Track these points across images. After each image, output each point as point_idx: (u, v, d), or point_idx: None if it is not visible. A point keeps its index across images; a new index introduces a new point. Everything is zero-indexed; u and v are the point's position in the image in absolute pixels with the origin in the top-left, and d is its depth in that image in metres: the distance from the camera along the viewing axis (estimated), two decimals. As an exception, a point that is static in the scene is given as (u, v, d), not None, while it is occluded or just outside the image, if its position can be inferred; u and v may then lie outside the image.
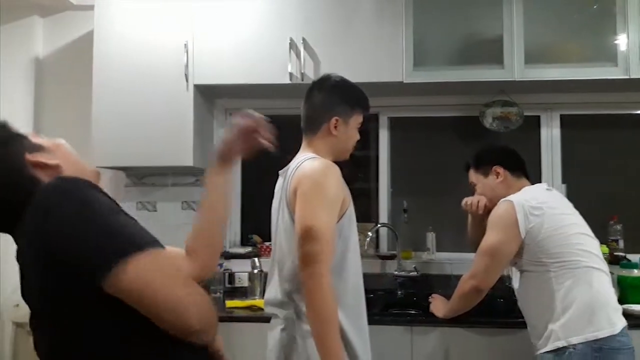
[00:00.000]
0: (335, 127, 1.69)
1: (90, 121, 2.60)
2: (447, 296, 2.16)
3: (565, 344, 1.73)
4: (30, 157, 1.04)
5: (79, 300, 0.94)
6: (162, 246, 1.00)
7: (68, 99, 2.93)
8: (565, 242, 1.82)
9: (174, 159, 2.59)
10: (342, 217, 1.58)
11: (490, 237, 1.90)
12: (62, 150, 1.11)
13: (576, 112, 2.81)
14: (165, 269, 0.96)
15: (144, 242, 0.95)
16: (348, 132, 1.72)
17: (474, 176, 2.15)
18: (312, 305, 1.44)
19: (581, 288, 1.77)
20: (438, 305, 2.19)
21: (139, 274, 0.92)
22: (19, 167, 1.03)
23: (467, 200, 2.18)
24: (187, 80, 2.55)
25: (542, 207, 1.86)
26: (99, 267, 0.91)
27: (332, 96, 1.71)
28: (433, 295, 2.28)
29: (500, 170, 2.06)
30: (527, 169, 2.11)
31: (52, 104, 2.95)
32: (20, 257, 1.02)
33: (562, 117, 2.82)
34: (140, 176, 2.92)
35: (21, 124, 3.12)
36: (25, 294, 1.03)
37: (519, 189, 1.98)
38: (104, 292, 0.92)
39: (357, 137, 1.76)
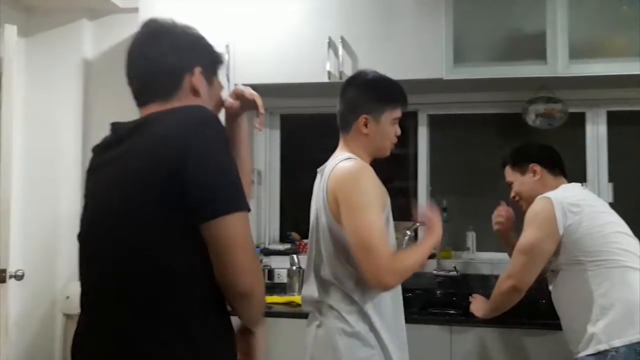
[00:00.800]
0: (366, 125, 1.66)
1: (136, 121, 2.69)
2: (487, 296, 2.13)
3: (607, 347, 1.68)
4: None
5: (174, 229, 1.03)
6: None
7: (115, 100, 2.98)
8: (604, 241, 1.78)
9: None
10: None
11: (528, 235, 1.87)
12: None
13: (623, 109, 2.72)
14: (249, 232, 1.07)
15: (246, 202, 1.08)
16: (380, 129, 1.68)
17: (510, 174, 2.12)
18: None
19: (620, 288, 1.73)
20: (478, 305, 2.16)
21: (237, 229, 1.03)
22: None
23: (496, 219, 2.21)
24: (228, 81, 2.60)
25: (581, 205, 1.83)
26: (213, 210, 1.02)
27: (362, 94, 1.69)
28: (473, 295, 2.25)
29: (538, 168, 2.03)
30: (565, 168, 2.06)
31: (100, 104, 3.04)
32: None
33: (608, 113, 2.73)
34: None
35: (71, 124, 3.26)
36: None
37: (556, 188, 1.94)
38: (196, 232, 1.02)
39: (396, 132, 1.72)
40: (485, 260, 2.76)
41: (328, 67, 2.52)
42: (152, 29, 1.24)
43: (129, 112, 2.96)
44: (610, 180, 2.71)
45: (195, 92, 1.20)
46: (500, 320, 2.09)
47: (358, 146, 1.69)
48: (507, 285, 1.91)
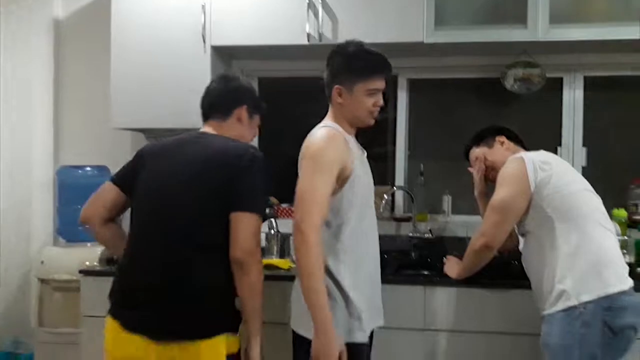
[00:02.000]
0: (340, 95, 1.72)
1: (109, 82, 2.62)
2: (462, 258, 2.17)
3: (576, 303, 1.73)
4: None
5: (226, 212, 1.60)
6: None
7: (87, 60, 2.94)
8: (571, 197, 1.84)
9: (192, 121, 2.58)
10: (345, 183, 1.66)
11: (500, 193, 1.91)
12: None
13: (600, 74, 2.74)
14: (257, 227, 1.63)
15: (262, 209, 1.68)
16: (354, 100, 1.71)
17: (477, 151, 2.19)
18: (298, 260, 1.60)
19: (588, 244, 1.78)
20: (452, 266, 2.22)
21: (254, 228, 1.61)
22: None
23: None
24: (204, 42, 2.54)
25: (551, 163, 1.89)
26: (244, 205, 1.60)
27: (339, 64, 1.73)
28: (447, 256, 2.31)
29: (504, 139, 2.12)
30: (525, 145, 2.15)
31: (72, 64, 2.96)
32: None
33: (585, 78, 2.76)
34: (159, 138, 2.94)
35: (41, 83, 3.20)
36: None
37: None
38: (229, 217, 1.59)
39: (375, 103, 1.74)
40: (461, 223, 2.81)
41: (307, 29, 2.47)
42: (223, 76, 1.92)
43: (99, 71, 2.92)
44: (584, 145, 2.75)
45: (239, 120, 1.79)
46: (473, 280, 2.14)
47: (337, 115, 1.76)
48: (480, 243, 1.96)
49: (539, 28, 2.38)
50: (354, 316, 1.67)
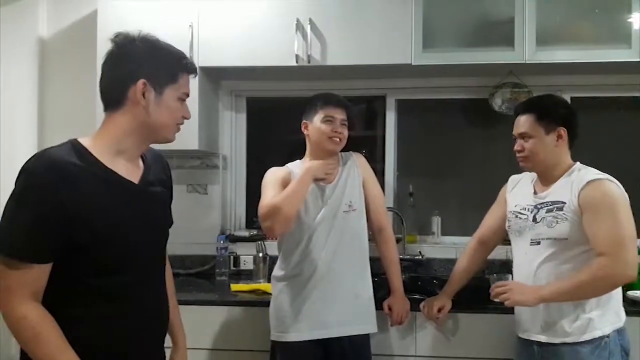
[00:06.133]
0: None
1: (95, 102, 2.58)
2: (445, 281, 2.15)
3: (601, 334, 1.71)
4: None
5: None
6: None
7: (72, 79, 2.90)
8: None
9: (179, 142, 2.47)
10: None
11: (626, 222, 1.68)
12: None
13: (587, 95, 2.76)
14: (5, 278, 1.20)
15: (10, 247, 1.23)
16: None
17: (531, 126, 1.81)
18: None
19: None
20: (524, 290, 1.76)
21: None
22: None
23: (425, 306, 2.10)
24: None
25: None
26: None
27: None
28: (504, 283, 1.82)
29: (564, 134, 1.81)
30: None
31: (57, 84, 2.92)
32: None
33: (572, 99, 2.77)
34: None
35: (25, 104, 3.13)
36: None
37: (567, 161, 1.84)
38: None
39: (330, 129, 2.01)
40: (450, 244, 2.79)
41: (296, 50, 2.47)
42: (113, 44, 1.32)
43: (84, 91, 2.87)
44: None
45: (135, 104, 1.26)
46: (464, 304, 2.12)
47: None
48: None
49: (526, 50, 2.39)
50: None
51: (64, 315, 1.20)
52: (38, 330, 1.16)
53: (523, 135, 1.83)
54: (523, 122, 1.83)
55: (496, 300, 1.78)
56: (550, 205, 1.77)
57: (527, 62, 2.40)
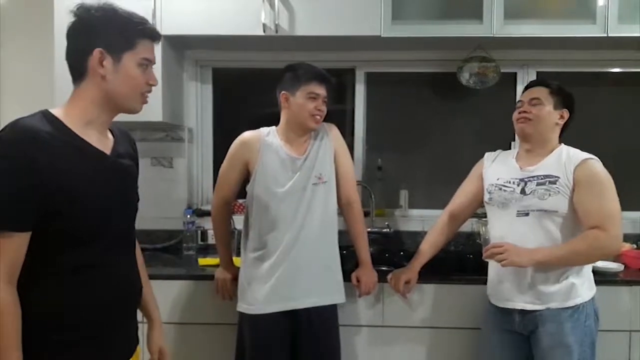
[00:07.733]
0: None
1: (53, 72, 2.48)
2: (413, 253, 2.18)
3: (581, 301, 1.82)
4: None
5: None
6: None
7: (29, 48, 2.78)
8: None
9: (143, 114, 2.43)
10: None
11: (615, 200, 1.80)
12: None
13: (552, 70, 2.80)
14: None
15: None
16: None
17: (545, 96, 1.92)
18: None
19: None
20: (519, 252, 1.79)
21: None
22: None
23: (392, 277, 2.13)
24: (155, 31, 2.43)
25: None
26: None
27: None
28: (500, 243, 1.83)
29: (566, 116, 1.94)
30: None
31: (13, 52, 2.79)
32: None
33: (538, 74, 2.81)
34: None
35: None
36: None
37: (556, 142, 1.95)
38: None
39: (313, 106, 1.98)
40: (417, 217, 2.82)
41: (263, 20, 2.40)
42: (73, 15, 1.28)
43: (41, 58, 2.75)
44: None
45: (95, 73, 1.25)
46: (430, 275, 2.15)
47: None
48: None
49: (494, 24, 2.40)
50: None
51: (35, 287, 1.18)
52: (2, 319, 1.13)
53: (534, 101, 1.92)
54: (537, 91, 1.94)
55: (489, 260, 1.84)
56: (542, 179, 1.85)
57: (495, 35, 2.41)
